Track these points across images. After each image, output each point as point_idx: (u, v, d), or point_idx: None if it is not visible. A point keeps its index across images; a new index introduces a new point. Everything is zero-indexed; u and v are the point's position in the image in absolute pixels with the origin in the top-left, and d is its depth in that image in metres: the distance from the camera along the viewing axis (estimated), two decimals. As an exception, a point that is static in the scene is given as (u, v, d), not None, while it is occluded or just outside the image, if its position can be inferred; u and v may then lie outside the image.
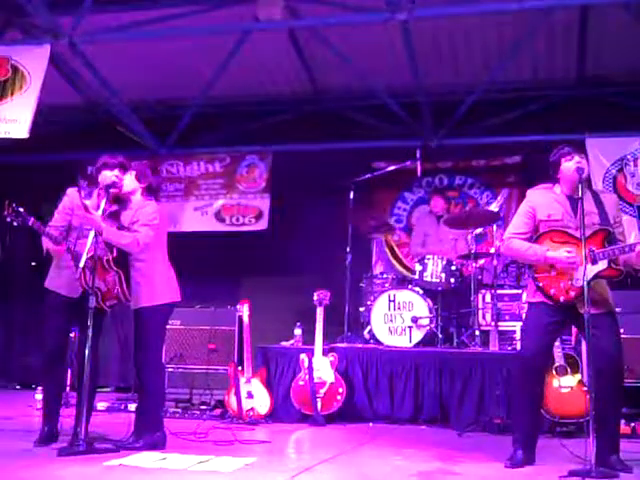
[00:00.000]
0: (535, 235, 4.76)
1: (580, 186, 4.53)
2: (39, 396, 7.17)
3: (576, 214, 4.56)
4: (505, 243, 4.84)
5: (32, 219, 4.93)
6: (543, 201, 4.77)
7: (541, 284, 4.66)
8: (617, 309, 4.75)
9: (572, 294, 4.54)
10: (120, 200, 5.25)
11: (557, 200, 4.73)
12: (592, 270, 4.47)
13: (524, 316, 5.31)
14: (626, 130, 8.32)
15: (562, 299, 4.58)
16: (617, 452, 4.55)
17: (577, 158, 4.65)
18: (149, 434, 5.06)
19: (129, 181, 5.32)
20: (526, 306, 5.06)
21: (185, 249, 7.45)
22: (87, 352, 4.81)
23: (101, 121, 9.46)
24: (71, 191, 5.34)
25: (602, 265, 4.50)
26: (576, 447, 4.79)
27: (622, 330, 4.86)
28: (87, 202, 5.23)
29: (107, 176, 5.18)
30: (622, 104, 8.31)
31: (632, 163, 8.37)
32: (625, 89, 8.40)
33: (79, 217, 5.10)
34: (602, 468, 4.23)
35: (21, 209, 4.93)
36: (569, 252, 4.54)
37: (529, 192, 4.89)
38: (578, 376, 6.00)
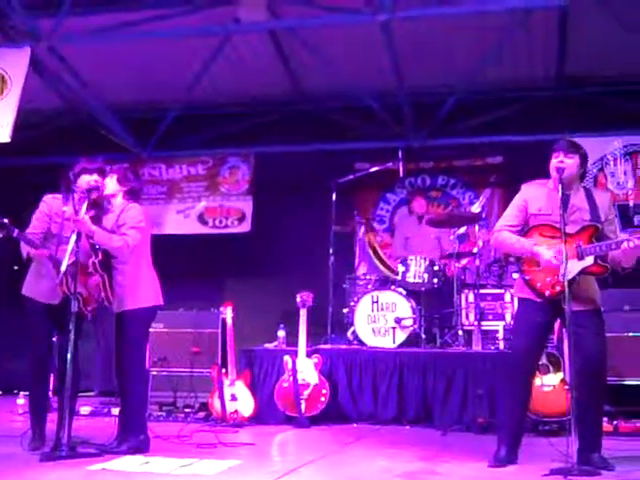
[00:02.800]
0: (525, 228, 4.78)
1: (561, 184, 4.54)
2: (21, 401, 7.16)
3: (566, 208, 4.55)
4: (495, 234, 4.87)
5: (16, 230, 4.92)
6: (535, 195, 4.78)
7: (528, 277, 4.68)
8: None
9: (557, 289, 4.52)
10: (97, 204, 5.23)
11: (549, 195, 4.72)
12: (578, 265, 4.48)
13: (514, 314, 5.31)
14: (606, 130, 8.38)
15: (547, 293, 4.59)
16: (599, 450, 4.57)
17: (561, 157, 4.63)
18: (132, 437, 5.04)
19: (110, 184, 5.30)
20: (516, 301, 5.13)
21: (168, 252, 7.45)
22: (69, 356, 4.80)
23: (82, 124, 9.41)
24: (48, 198, 5.35)
25: (588, 261, 4.49)
26: (559, 445, 4.81)
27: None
28: (64, 208, 5.21)
29: (86, 180, 5.17)
30: (602, 104, 8.36)
31: (612, 162, 8.45)
32: (605, 89, 8.46)
33: (59, 224, 5.09)
34: (584, 466, 4.26)
35: (5, 220, 4.91)
36: (555, 256, 4.50)
37: (524, 186, 4.87)
38: (560, 375, 6.04)
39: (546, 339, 5.09)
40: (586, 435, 4.39)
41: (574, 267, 4.46)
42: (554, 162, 4.66)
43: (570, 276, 4.41)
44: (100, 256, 5.06)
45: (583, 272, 4.52)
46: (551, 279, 4.57)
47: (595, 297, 4.67)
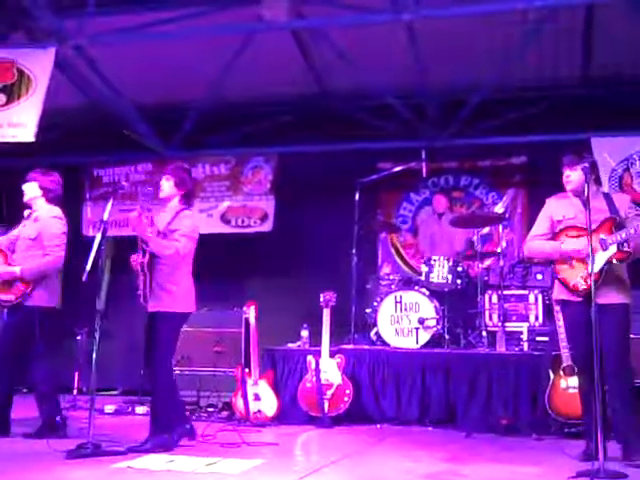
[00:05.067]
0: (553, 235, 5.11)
1: (586, 185, 4.71)
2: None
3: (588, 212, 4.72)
4: (526, 245, 5.27)
5: None
6: (557, 205, 5.16)
7: (561, 276, 4.98)
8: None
9: (590, 282, 4.65)
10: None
11: (569, 203, 5.07)
12: (604, 256, 4.77)
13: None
14: (631, 129, 8.29)
15: (581, 288, 4.84)
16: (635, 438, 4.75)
17: (567, 172, 5.03)
18: (157, 436, 5.08)
19: (166, 187, 5.40)
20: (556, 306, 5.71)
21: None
22: (94, 356, 4.86)
23: (106, 124, 9.45)
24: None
25: (612, 250, 4.78)
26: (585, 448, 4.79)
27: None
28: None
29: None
30: (627, 104, 8.26)
31: (638, 162, 8.36)
32: (630, 89, 8.36)
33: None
34: (610, 468, 4.24)
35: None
36: (582, 249, 4.78)
37: (547, 200, 5.22)
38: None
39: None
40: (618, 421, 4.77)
41: (600, 258, 4.76)
42: (563, 177, 5.08)
43: (597, 267, 4.69)
44: (147, 257, 5.16)
45: (610, 262, 4.78)
46: (583, 274, 4.83)
47: (623, 289, 4.90)
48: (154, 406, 5.26)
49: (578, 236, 4.87)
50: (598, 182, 5.16)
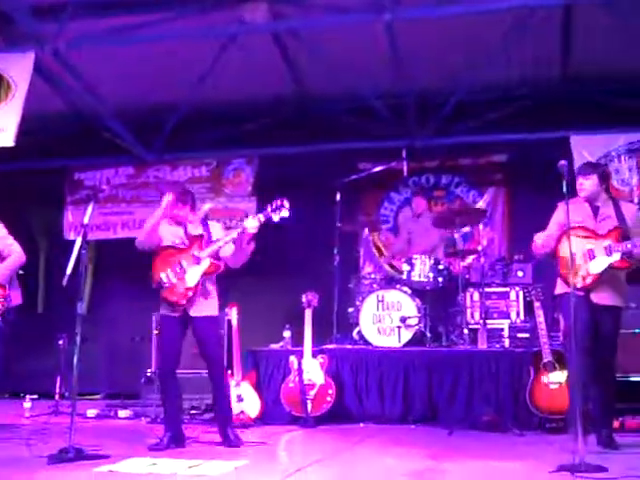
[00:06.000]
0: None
1: (582, 201, 5.30)
2: (28, 404, 7.20)
3: (596, 217, 5.28)
4: (534, 242, 5.50)
5: None
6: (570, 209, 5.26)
7: (563, 272, 5.24)
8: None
9: (588, 281, 5.15)
10: None
11: (580, 207, 5.32)
12: (606, 261, 5.13)
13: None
14: (610, 127, 8.37)
15: (579, 285, 5.10)
16: (609, 427, 5.19)
17: (580, 179, 5.32)
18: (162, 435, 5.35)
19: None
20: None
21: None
22: (75, 360, 4.86)
23: (87, 128, 9.44)
24: None
25: (615, 257, 5.12)
26: (566, 443, 4.82)
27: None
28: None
29: None
30: (606, 102, 8.34)
31: (617, 159, 8.43)
32: (608, 87, 8.42)
33: None
34: (590, 462, 4.28)
35: None
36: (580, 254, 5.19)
37: (559, 204, 5.33)
38: (566, 372, 6.01)
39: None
40: (596, 410, 5.15)
41: (603, 262, 5.14)
42: (577, 185, 5.34)
43: (598, 270, 5.13)
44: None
45: (611, 267, 5.13)
46: (582, 272, 5.16)
47: (621, 293, 5.25)
48: (224, 402, 5.63)
49: (586, 237, 5.23)
50: (608, 191, 5.44)
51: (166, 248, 5.52)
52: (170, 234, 5.57)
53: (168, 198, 5.48)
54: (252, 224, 5.21)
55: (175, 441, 5.32)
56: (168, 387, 5.50)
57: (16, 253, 5.87)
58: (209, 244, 5.47)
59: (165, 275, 5.40)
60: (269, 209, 5.20)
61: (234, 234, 5.34)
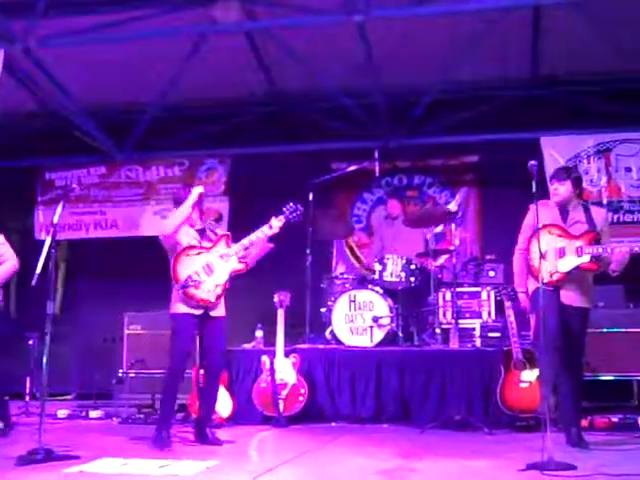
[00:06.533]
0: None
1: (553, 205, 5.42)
2: None
3: (565, 221, 5.38)
4: (514, 256, 5.64)
5: None
6: (540, 213, 5.26)
7: (531, 264, 5.34)
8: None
9: (555, 278, 5.27)
10: None
11: (550, 211, 5.41)
12: (576, 261, 5.24)
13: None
14: (579, 128, 8.46)
15: (546, 280, 5.16)
16: (577, 425, 5.23)
17: (555, 184, 5.42)
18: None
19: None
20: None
21: (145, 253, 7.44)
22: (44, 359, 4.83)
23: (58, 126, 9.36)
24: None
25: (585, 259, 5.22)
26: (536, 441, 4.86)
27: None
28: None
29: None
30: (575, 103, 8.42)
31: (586, 161, 8.52)
32: (578, 88, 8.50)
33: None
34: (559, 460, 4.33)
35: None
36: None
37: (530, 206, 5.38)
38: (536, 371, 6.07)
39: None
40: (565, 408, 5.26)
41: (572, 262, 5.24)
42: (551, 189, 5.46)
43: (566, 269, 5.24)
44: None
45: (579, 268, 5.25)
46: (551, 269, 5.26)
47: (588, 293, 5.38)
48: (213, 403, 5.83)
49: (560, 235, 5.32)
50: (580, 196, 5.54)
51: (189, 247, 5.56)
52: (186, 234, 5.62)
53: (199, 190, 5.63)
54: (276, 224, 5.62)
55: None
56: (175, 387, 5.55)
57: (10, 260, 5.92)
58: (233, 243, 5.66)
59: (195, 273, 5.48)
60: (287, 212, 5.66)
61: (259, 233, 5.60)
